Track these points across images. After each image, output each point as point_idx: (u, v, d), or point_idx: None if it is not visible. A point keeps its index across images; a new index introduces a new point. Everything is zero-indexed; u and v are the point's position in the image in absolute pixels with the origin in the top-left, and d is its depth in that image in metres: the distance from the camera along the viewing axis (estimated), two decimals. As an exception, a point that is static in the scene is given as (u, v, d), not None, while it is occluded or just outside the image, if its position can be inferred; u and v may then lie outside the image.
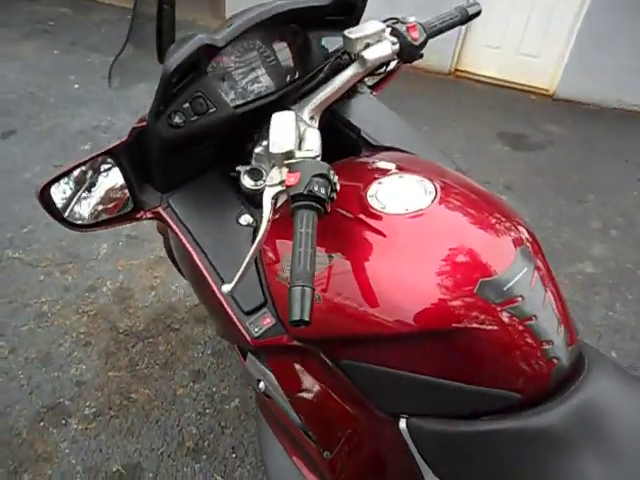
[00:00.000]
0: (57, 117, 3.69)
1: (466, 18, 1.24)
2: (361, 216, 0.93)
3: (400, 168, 1.05)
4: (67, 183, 1.08)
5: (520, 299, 0.80)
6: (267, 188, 0.92)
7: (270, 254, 1.04)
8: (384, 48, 1.09)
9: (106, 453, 1.73)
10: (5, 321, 2.12)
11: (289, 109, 1.12)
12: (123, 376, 1.98)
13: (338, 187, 0.88)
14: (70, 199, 1.09)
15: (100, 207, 1.14)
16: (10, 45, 4.82)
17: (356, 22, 1.23)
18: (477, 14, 1.26)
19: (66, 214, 1.08)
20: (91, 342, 2.09)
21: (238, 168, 1.20)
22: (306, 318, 0.68)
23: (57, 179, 1.06)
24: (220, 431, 1.83)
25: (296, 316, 0.68)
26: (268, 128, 0.97)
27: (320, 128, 1.09)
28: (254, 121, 1.19)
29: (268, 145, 0.91)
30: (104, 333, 2.13)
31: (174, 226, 1.14)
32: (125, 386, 1.94)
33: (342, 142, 1.34)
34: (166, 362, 2.05)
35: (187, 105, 1.05)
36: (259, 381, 1.15)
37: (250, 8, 1.08)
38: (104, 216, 1.15)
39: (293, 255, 0.76)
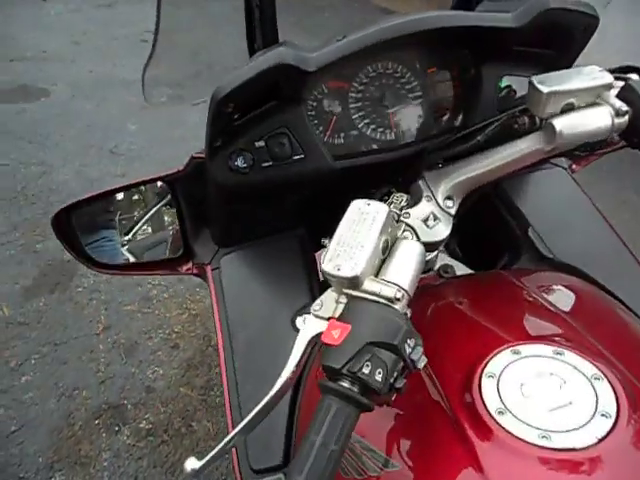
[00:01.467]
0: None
1: None
2: (463, 420, 0.50)
3: (568, 331, 0.60)
4: (97, 210, 0.83)
5: None
6: (307, 320, 0.55)
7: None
8: (599, 117, 0.61)
9: (139, 484, 1.55)
10: (113, 296, 2.08)
11: (416, 178, 0.72)
12: (193, 397, 1.77)
13: (421, 365, 0.48)
14: (99, 231, 0.84)
15: (139, 246, 0.87)
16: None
17: (567, 63, 0.76)
18: None
19: (90, 248, 0.83)
20: (179, 345, 1.93)
21: (324, 241, 0.84)
22: None
23: (82, 203, 0.81)
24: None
25: None
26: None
27: (460, 215, 0.69)
28: (360, 181, 0.81)
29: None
30: (195, 340, 1.96)
31: (214, 298, 0.82)
32: (191, 410, 1.74)
33: (493, 236, 0.88)
34: (241, 398, 1.80)
35: (261, 144, 0.71)
36: None
37: (397, 16, 0.69)
38: (141, 258, 0.87)
39: (302, 446, 0.43)
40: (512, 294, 0.71)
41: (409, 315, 0.52)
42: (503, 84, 0.77)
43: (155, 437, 1.65)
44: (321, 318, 0.54)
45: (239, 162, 0.71)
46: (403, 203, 0.74)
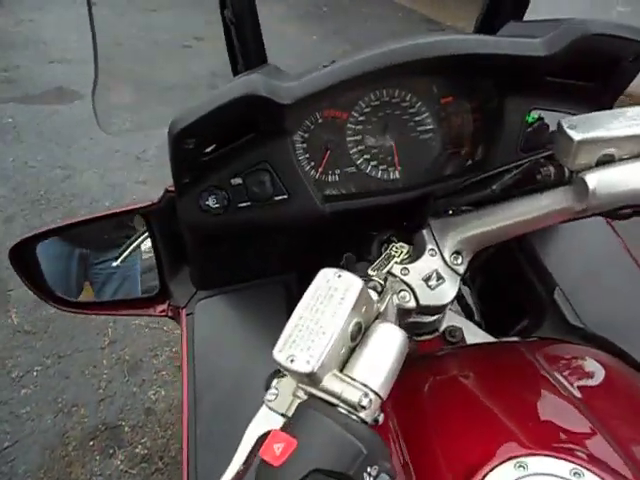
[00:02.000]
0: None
1: None
2: None
3: (593, 438, 0.49)
4: (62, 242, 0.74)
5: None
6: (259, 414, 0.45)
7: None
8: None
9: (128, 515, 1.47)
10: (122, 309, 2.02)
11: (420, 226, 0.62)
12: (193, 423, 1.69)
13: None
14: (65, 265, 0.75)
15: (109, 282, 0.78)
16: (281, 23, 4.96)
17: (611, 99, 0.63)
18: None
19: (54, 283, 0.75)
20: (184, 365, 1.85)
21: None
22: None
23: (47, 234, 0.73)
24: None
25: None
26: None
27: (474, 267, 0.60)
28: (356, 225, 0.70)
29: None
30: (202, 360, 1.88)
31: (184, 349, 0.72)
32: (190, 436, 1.65)
33: (512, 294, 0.76)
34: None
35: (238, 181, 0.61)
36: None
37: (403, 38, 0.58)
38: (111, 296, 0.79)
39: None
40: (526, 374, 0.59)
41: (380, 420, 0.41)
42: (532, 117, 0.65)
43: (150, 464, 1.57)
44: (275, 412, 0.43)
45: (211, 202, 0.61)
46: (403, 256, 0.63)
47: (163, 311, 0.78)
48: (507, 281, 0.79)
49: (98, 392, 1.74)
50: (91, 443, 1.60)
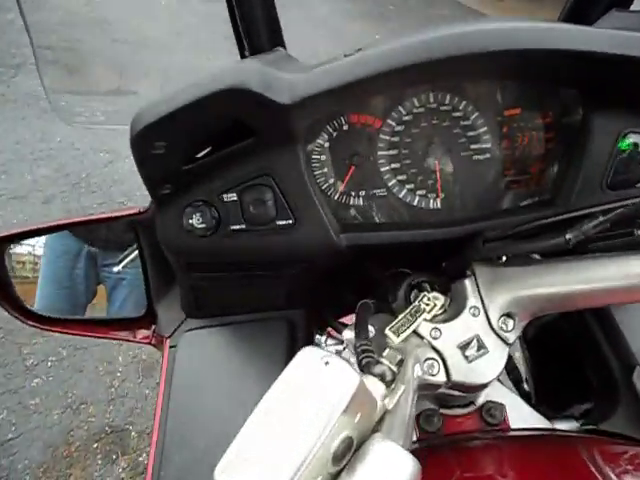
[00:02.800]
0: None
1: None
2: None
3: None
4: (36, 248, 0.64)
5: None
6: None
7: None
8: None
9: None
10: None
11: (462, 273, 0.47)
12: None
13: None
14: (38, 275, 0.65)
15: (88, 298, 0.67)
16: (344, 19, 4.79)
17: None
18: None
19: (24, 295, 0.64)
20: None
21: (318, 338, 0.61)
22: None
23: (19, 236, 0.62)
24: None
25: None
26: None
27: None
28: (381, 261, 0.56)
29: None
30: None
31: (161, 389, 0.60)
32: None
33: (579, 371, 0.60)
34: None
35: (232, 197, 0.48)
36: None
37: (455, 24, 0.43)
38: (91, 314, 0.68)
39: None
40: None
41: None
42: (626, 143, 0.49)
43: (152, 476, 1.48)
44: None
45: (195, 220, 0.49)
46: (436, 310, 0.49)
47: (146, 338, 0.66)
48: (572, 348, 0.62)
49: (109, 391, 1.66)
50: (95, 445, 1.52)
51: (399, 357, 0.39)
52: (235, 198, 0.48)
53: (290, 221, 0.48)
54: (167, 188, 0.47)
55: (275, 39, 0.56)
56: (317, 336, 0.59)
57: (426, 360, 0.45)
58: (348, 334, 0.48)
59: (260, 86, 0.37)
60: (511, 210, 0.52)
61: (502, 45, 0.38)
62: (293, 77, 0.39)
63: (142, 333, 0.67)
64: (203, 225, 0.49)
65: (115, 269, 0.69)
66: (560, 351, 0.65)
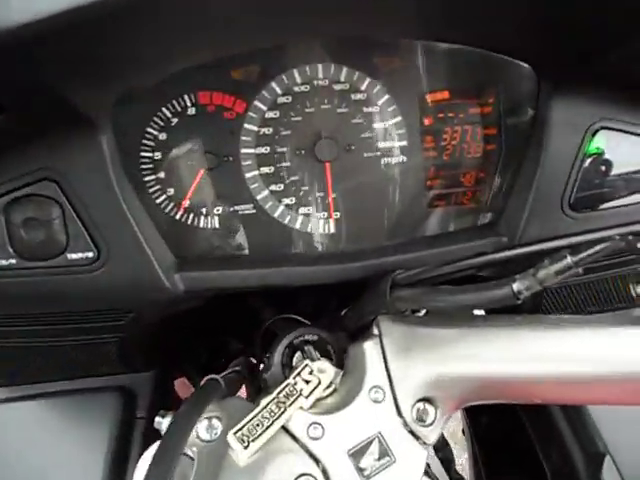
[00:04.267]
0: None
1: None
2: None
3: None
4: None
5: None
6: None
7: None
8: None
9: None
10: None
11: (360, 330, 0.31)
12: None
13: None
14: None
15: None
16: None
17: None
18: None
19: None
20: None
21: (158, 420, 0.43)
22: None
23: None
24: None
25: None
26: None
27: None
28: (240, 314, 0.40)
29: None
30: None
31: None
32: None
33: (534, 456, 0.44)
34: None
35: None
36: None
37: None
38: None
39: None
40: None
41: None
42: (595, 146, 0.34)
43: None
44: None
45: None
46: (320, 392, 0.32)
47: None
48: (523, 431, 0.46)
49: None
50: None
51: None
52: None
53: (90, 254, 0.31)
54: None
55: None
56: (157, 418, 0.41)
57: (298, 478, 0.28)
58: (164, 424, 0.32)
59: None
60: (435, 239, 0.36)
61: None
62: None
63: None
64: None
65: None
66: (510, 434, 0.49)
